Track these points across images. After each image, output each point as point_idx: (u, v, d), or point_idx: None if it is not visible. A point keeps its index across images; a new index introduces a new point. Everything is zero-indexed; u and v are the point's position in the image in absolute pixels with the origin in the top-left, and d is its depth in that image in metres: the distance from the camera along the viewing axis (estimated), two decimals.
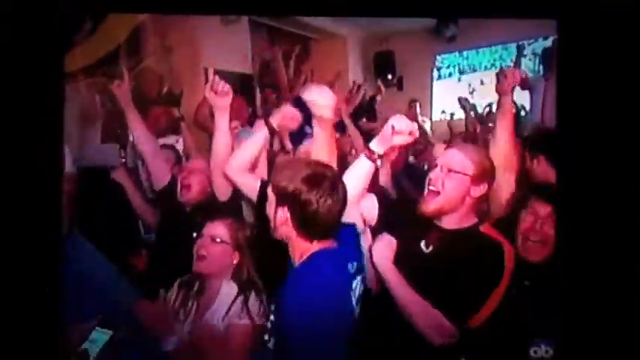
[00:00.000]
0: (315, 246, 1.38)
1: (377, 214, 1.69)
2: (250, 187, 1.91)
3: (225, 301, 1.74)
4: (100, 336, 1.51)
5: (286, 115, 1.90)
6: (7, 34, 1.51)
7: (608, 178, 1.47)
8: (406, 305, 1.53)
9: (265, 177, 1.99)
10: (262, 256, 1.94)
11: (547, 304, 1.54)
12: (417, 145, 3.68)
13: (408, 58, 6.42)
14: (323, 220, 1.36)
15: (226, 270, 1.79)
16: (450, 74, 6.56)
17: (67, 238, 1.72)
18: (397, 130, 1.53)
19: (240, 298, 1.72)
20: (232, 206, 2.12)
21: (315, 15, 4.40)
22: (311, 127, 1.78)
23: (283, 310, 1.34)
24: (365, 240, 1.63)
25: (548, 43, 4.43)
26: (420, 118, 5.14)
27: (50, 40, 1.54)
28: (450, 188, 1.60)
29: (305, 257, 1.38)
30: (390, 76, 6.25)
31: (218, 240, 1.79)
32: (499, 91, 1.88)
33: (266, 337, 1.46)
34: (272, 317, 1.43)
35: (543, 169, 1.99)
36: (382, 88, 5.10)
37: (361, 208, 1.64)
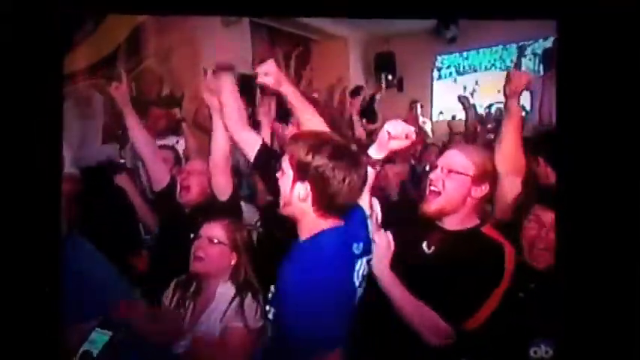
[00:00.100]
0: (325, 224, 1.35)
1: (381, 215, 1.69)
2: (248, 143, 1.88)
3: (222, 303, 1.73)
4: (100, 337, 1.50)
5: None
6: (7, 34, 1.51)
7: (609, 179, 1.47)
8: (401, 306, 1.53)
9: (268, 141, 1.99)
10: (260, 257, 1.95)
11: (547, 305, 1.54)
12: (417, 146, 3.69)
13: (409, 59, 6.43)
14: (345, 197, 1.33)
15: (224, 271, 1.79)
16: (451, 74, 6.57)
17: (66, 239, 1.72)
18: (393, 135, 1.52)
19: (237, 302, 1.72)
20: (232, 207, 2.12)
21: (316, 16, 4.40)
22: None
23: (283, 282, 1.31)
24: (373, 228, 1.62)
25: (549, 43, 4.44)
26: (420, 119, 5.14)
27: (50, 41, 1.54)
28: (450, 189, 1.60)
29: (312, 234, 1.35)
30: (390, 77, 6.26)
31: (215, 241, 1.78)
32: (506, 93, 1.87)
33: (267, 308, 1.43)
34: (272, 288, 1.40)
35: (543, 171, 1.99)
36: (383, 85, 5.11)
37: (374, 206, 1.64)
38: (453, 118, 4.81)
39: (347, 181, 1.31)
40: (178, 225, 2.18)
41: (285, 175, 1.35)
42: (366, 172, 1.39)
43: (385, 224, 1.66)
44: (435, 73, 6.64)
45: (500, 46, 6.07)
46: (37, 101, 1.55)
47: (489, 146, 2.13)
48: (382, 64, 6.37)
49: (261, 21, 4.99)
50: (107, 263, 1.84)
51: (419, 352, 1.54)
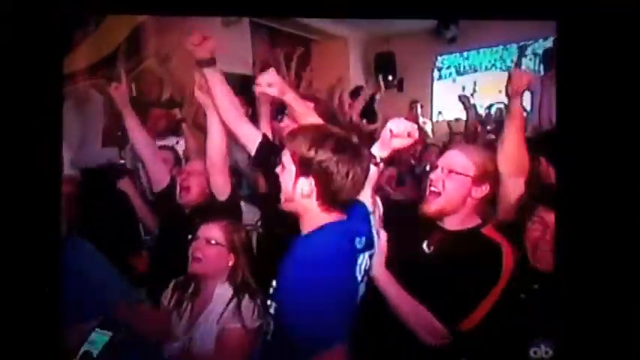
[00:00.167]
0: (328, 218, 1.34)
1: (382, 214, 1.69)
2: (249, 137, 1.89)
3: (220, 304, 1.73)
4: (100, 337, 1.50)
5: (193, 42, 1.87)
6: (7, 34, 1.51)
7: (609, 179, 1.47)
8: (397, 305, 1.53)
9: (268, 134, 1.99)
10: (260, 257, 1.94)
11: (548, 305, 1.54)
12: (417, 146, 3.69)
13: (409, 59, 6.42)
14: (349, 191, 1.32)
15: (221, 272, 1.78)
16: (451, 74, 6.56)
17: (66, 239, 1.72)
18: (395, 133, 1.51)
19: (234, 302, 1.72)
20: (231, 207, 2.12)
21: (316, 16, 4.40)
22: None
23: (285, 277, 1.30)
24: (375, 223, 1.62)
25: (549, 43, 4.44)
26: (420, 120, 5.14)
27: (50, 41, 1.54)
28: (450, 189, 1.60)
29: (314, 228, 1.34)
30: (390, 77, 6.25)
31: (213, 242, 1.78)
32: (508, 93, 1.84)
33: (269, 303, 1.41)
34: (274, 283, 1.37)
35: (545, 171, 1.99)
36: (382, 84, 5.11)
37: (377, 204, 1.64)
38: (457, 120, 4.79)
39: (351, 174, 1.29)
40: (178, 226, 2.18)
41: (287, 171, 1.34)
42: (369, 164, 1.38)
43: (386, 224, 1.67)
44: (436, 74, 6.64)
45: (501, 47, 6.07)
46: (37, 102, 1.55)
47: (490, 146, 2.12)
48: (382, 64, 6.36)
49: (261, 21, 4.99)
50: (107, 264, 1.84)
51: (419, 351, 1.54)
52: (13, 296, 1.51)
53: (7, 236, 1.51)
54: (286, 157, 1.34)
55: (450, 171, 1.61)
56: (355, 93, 4.45)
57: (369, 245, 1.46)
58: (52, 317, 1.51)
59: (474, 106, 4.24)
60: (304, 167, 1.30)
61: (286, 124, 1.94)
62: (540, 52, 4.94)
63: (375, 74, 6.15)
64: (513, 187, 1.76)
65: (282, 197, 1.36)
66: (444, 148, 3.18)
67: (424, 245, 1.66)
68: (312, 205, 1.32)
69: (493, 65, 6.16)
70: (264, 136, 1.94)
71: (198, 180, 2.21)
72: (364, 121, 4.25)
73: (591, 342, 1.44)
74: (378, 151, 1.54)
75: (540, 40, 5.15)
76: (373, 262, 1.52)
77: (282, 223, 1.44)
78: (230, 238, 1.79)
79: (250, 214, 2.50)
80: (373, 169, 1.53)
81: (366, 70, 6.57)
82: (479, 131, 3.79)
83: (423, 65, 6.55)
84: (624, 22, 1.45)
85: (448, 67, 6.58)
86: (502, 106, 3.89)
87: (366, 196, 1.53)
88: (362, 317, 1.43)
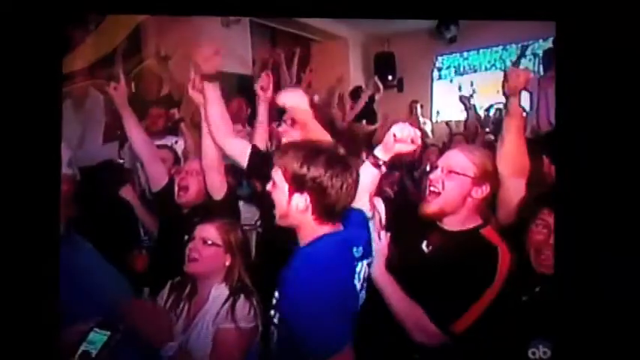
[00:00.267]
0: (324, 229, 1.36)
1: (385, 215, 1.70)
2: (238, 150, 1.92)
3: (215, 305, 1.73)
4: (98, 337, 1.50)
5: (204, 55, 1.91)
6: (6, 34, 1.51)
7: (608, 178, 1.47)
8: (394, 306, 1.54)
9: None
10: (260, 257, 1.94)
11: (546, 306, 1.54)
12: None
13: (409, 60, 6.42)
14: (343, 203, 1.35)
15: (218, 272, 1.78)
16: (451, 75, 6.56)
17: (65, 238, 1.72)
18: (399, 138, 1.53)
19: (229, 303, 1.71)
20: (229, 207, 2.12)
21: (316, 16, 4.40)
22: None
23: (286, 288, 1.32)
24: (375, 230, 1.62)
25: (548, 44, 4.44)
26: (420, 120, 5.14)
27: (50, 40, 1.54)
28: (450, 189, 1.60)
29: (312, 239, 1.36)
30: (390, 77, 6.25)
31: (209, 242, 1.77)
32: (505, 93, 1.81)
33: (272, 313, 1.43)
34: (276, 294, 1.40)
35: (548, 171, 1.97)
36: (381, 85, 5.10)
37: (379, 208, 1.65)
38: (457, 121, 4.79)
39: (344, 187, 1.33)
40: (176, 225, 2.18)
41: (279, 189, 1.36)
42: (358, 173, 1.40)
43: (388, 224, 1.67)
44: (435, 74, 6.64)
45: (500, 47, 6.06)
46: (37, 101, 1.55)
47: (490, 146, 2.11)
48: (382, 64, 6.36)
49: (261, 21, 4.99)
50: (105, 263, 1.84)
51: (417, 351, 1.55)
52: (12, 296, 1.51)
53: (6, 235, 1.51)
54: (277, 174, 1.36)
55: (450, 171, 1.61)
56: (354, 93, 4.46)
57: (367, 253, 1.48)
58: (50, 316, 1.51)
59: (474, 106, 4.25)
60: (297, 184, 1.33)
61: (284, 129, 1.95)
62: (540, 52, 4.93)
63: (375, 74, 6.15)
64: (514, 189, 1.73)
65: (277, 214, 1.39)
66: (444, 148, 3.18)
67: (423, 245, 1.66)
68: (308, 219, 1.35)
69: (493, 65, 6.15)
70: (254, 146, 1.97)
71: (196, 179, 2.21)
72: (364, 121, 4.26)
73: (589, 342, 1.44)
74: (381, 154, 1.57)
75: (540, 41, 5.14)
76: (373, 263, 1.53)
77: (280, 231, 1.45)
78: (226, 238, 1.78)
79: (249, 213, 2.50)
80: (374, 172, 1.55)
81: (365, 70, 6.57)
82: (479, 132, 3.79)
83: (423, 65, 6.54)
84: (623, 23, 1.45)
85: (448, 68, 6.57)
86: (501, 106, 3.89)
87: (364, 202, 1.54)
88: (364, 322, 1.44)
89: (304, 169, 1.31)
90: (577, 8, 1.49)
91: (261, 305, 1.71)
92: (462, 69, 6.47)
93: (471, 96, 4.47)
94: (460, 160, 1.62)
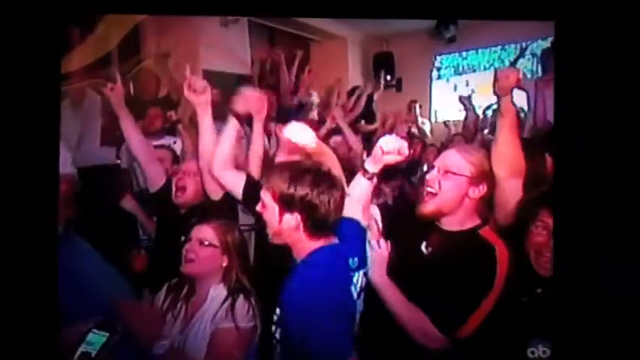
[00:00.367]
0: (318, 243, 1.40)
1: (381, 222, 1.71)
2: (233, 183, 1.95)
3: (214, 305, 1.72)
4: (97, 338, 1.49)
5: (248, 99, 1.93)
6: (6, 34, 1.51)
7: (608, 178, 1.47)
8: (396, 312, 1.54)
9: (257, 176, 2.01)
10: (259, 256, 1.94)
11: (546, 306, 1.54)
12: (416, 147, 3.70)
13: (408, 59, 6.41)
14: (333, 217, 1.39)
15: (215, 273, 1.77)
16: (450, 75, 6.56)
17: (63, 238, 1.71)
18: (386, 151, 1.57)
19: (228, 302, 1.71)
20: (227, 208, 2.11)
21: (315, 16, 4.40)
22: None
23: (286, 303, 1.35)
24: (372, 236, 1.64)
25: (547, 43, 4.44)
26: (419, 120, 5.14)
27: (48, 40, 1.54)
28: (447, 189, 1.60)
29: (307, 254, 1.40)
30: (389, 77, 6.25)
31: (206, 243, 1.77)
32: (496, 92, 1.79)
33: (273, 329, 1.45)
34: (277, 311, 1.42)
35: (549, 172, 1.96)
36: (380, 85, 5.11)
37: (373, 215, 1.67)
38: (454, 121, 4.80)
39: (332, 202, 1.37)
40: (174, 226, 2.18)
41: (269, 209, 1.40)
42: (343, 187, 1.44)
43: (387, 227, 1.67)
44: (434, 74, 6.63)
45: (499, 47, 6.06)
46: (35, 101, 1.55)
47: (489, 147, 2.10)
48: (381, 64, 6.36)
49: (260, 21, 4.98)
50: (104, 263, 1.84)
51: (417, 351, 1.54)
52: (11, 296, 1.50)
53: (4, 235, 1.51)
54: (266, 196, 1.41)
55: (446, 171, 1.61)
56: (351, 93, 4.47)
57: (363, 264, 1.52)
58: (49, 317, 1.50)
59: (473, 107, 4.25)
60: (286, 204, 1.37)
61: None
62: (538, 52, 4.93)
63: (374, 74, 6.15)
64: (511, 190, 1.71)
65: (270, 233, 1.43)
66: (442, 149, 3.17)
67: (422, 246, 1.65)
68: (301, 235, 1.39)
69: (492, 65, 6.14)
70: (248, 176, 1.99)
71: (193, 180, 2.21)
72: (362, 122, 4.26)
73: (588, 342, 1.44)
74: (371, 166, 1.60)
75: (539, 41, 5.14)
76: (373, 270, 1.55)
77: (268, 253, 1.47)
78: (223, 239, 1.78)
79: (248, 214, 2.49)
80: (366, 183, 1.59)
81: (364, 70, 6.56)
82: (478, 132, 3.79)
83: (422, 65, 6.54)
84: (622, 22, 1.45)
85: (447, 67, 6.57)
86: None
87: (358, 213, 1.57)
88: (363, 328, 1.47)
89: (292, 189, 1.36)
90: (576, 8, 1.49)
91: (260, 305, 1.71)
92: (460, 69, 6.47)
93: (470, 96, 4.47)
94: (456, 160, 1.62)
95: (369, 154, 1.69)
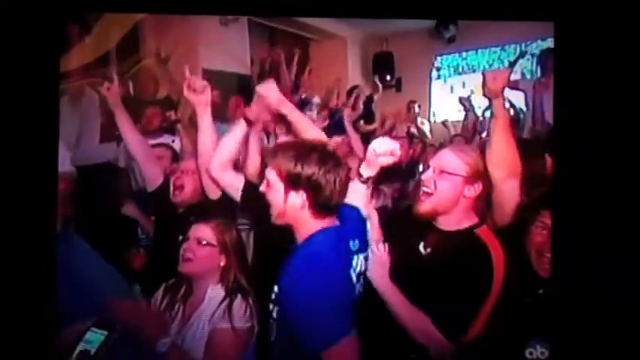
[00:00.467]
0: (321, 223, 1.40)
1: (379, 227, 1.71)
2: (232, 185, 1.95)
3: (211, 305, 1.72)
4: (95, 337, 1.49)
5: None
6: (5, 32, 1.51)
7: (607, 178, 1.47)
8: (397, 313, 1.54)
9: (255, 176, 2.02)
10: (258, 255, 1.93)
11: (545, 306, 1.54)
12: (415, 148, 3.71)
13: (407, 59, 6.41)
14: (338, 196, 1.40)
15: (213, 273, 1.77)
16: (449, 75, 6.56)
17: (62, 237, 1.71)
18: (379, 153, 1.58)
19: (225, 303, 1.71)
20: (225, 207, 2.11)
21: (315, 16, 4.40)
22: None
23: (285, 281, 1.35)
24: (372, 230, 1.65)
25: (547, 44, 4.44)
26: (418, 120, 5.14)
27: (48, 39, 1.54)
28: (442, 189, 1.60)
29: (309, 234, 1.40)
30: (388, 77, 6.25)
31: (204, 242, 1.76)
32: (487, 94, 1.75)
33: (271, 307, 1.45)
34: (275, 289, 1.41)
35: (549, 172, 1.96)
36: (379, 85, 5.11)
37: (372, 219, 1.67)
38: (453, 122, 4.80)
39: (337, 181, 1.37)
40: (172, 225, 2.17)
41: (274, 188, 1.40)
42: (349, 168, 1.44)
43: (385, 228, 1.67)
44: (434, 73, 6.63)
45: (499, 47, 6.07)
46: (35, 100, 1.55)
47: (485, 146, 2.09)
48: (380, 64, 6.36)
49: (260, 20, 4.98)
50: (103, 262, 1.84)
51: (417, 351, 1.54)
52: (9, 293, 1.50)
53: (3, 233, 1.51)
54: (271, 175, 1.40)
55: (442, 171, 1.61)
56: (350, 93, 4.48)
57: (363, 247, 1.51)
58: (48, 315, 1.50)
59: (474, 107, 4.25)
60: (292, 182, 1.37)
61: (280, 129, 1.98)
62: (537, 52, 4.93)
63: (373, 74, 6.15)
64: (507, 191, 1.70)
65: (274, 213, 1.43)
66: (440, 149, 3.17)
67: (421, 246, 1.65)
68: (305, 215, 1.39)
69: (491, 65, 6.14)
70: (247, 181, 1.99)
71: (192, 179, 2.21)
72: (362, 122, 4.27)
73: (587, 342, 1.44)
74: (366, 171, 1.61)
75: (538, 41, 5.14)
76: (374, 273, 1.55)
77: (276, 232, 1.47)
78: (221, 238, 1.78)
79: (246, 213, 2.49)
80: (362, 188, 1.61)
81: (364, 70, 6.56)
82: (476, 134, 3.80)
83: (422, 65, 6.54)
84: (622, 24, 1.45)
85: (447, 67, 6.57)
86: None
87: (360, 203, 1.58)
88: (362, 312, 1.46)
89: (298, 168, 1.36)
90: (575, 8, 1.50)
91: (258, 305, 1.71)
92: (460, 69, 6.47)
93: (469, 96, 4.47)
94: (451, 159, 1.62)
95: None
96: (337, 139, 3.04)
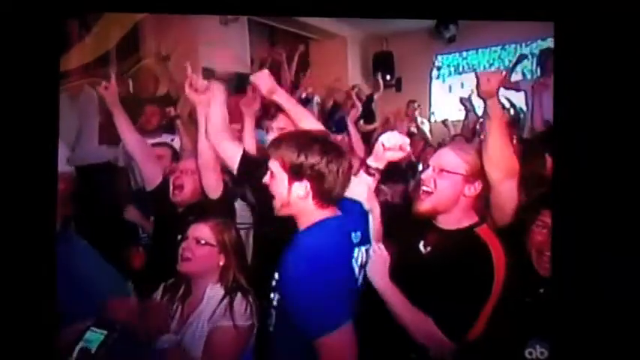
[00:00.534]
0: (324, 214, 1.41)
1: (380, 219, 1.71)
2: (229, 154, 1.96)
3: (210, 305, 1.72)
4: (95, 336, 1.49)
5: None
6: (5, 32, 1.51)
7: (607, 178, 1.47)
8: (397, 313, 1.53)
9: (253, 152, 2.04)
10: (257, 255, 1.93)
11: (545, 306, 1.54)
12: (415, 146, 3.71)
13: (407, 59, 6.41)
14: (341, 187, 1.41)
15: (212, 272, 1.77)
16: (450, 74, 6.56)
17: (61, 236, 1.71)
18: (387, 147, 1.59)
19: (226, 301, 1.71)
20: (225, 206, 2.11)
21: (315, 15, 4.40)
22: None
23: (286, 269, 1.35)
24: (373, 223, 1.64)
25: (547, 44, 4.44)
26: (418, 119, 5.14)
27: (48, 38, 1.54)
28: (442, 188, 1.60)
29: (311, 223, 1.41)
30: (388, 77, 6.25)
31: (203, 242, 1.76)
32: (481, 95, 1.73)
33: (271, 295, 1.45)
34: (276, 276, 1.42)
35: (549, 172, 1.96)
36: (380, 84, 5.11)
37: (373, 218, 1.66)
38: (453, 121, 4.80)
39: (340, 171, 1.38)
40: (171, 224, 2.17)
41: (278, 179, 1.40)
42: (351, 159, 1.46)
43: (385, 227, 1.67)
44: (434, 73, 6.63)
45: (499, 47, 6.07)
46: (34, 99, 1.55)
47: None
48: (380, 63, 6.36)
49: (260, 19, 4.98)
50: (103, 261, 1.84)
51: (417, 351, 1.54)
52: (9, 293, 1.50)
53: (3, 233, 1.51)
54: (274, 165, 1.41)
55: (442, 170, 1.61)
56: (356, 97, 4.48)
57: (365, 240, 1.52)
58: (48, 315, 1.50)
59: (474, 107, 4.25)
60: (296, 173, 1.37)
61: (277, 124, 2.00)
62: (537, 52, 4.93)
63: (374, 74, 6.15)
64: (505, 192, 1.68)
65: (278, 204, 1.42)
66: (439, 149, 3.17)
67: (421, 245, 1.65)
68: (309, 204, 1.39)
69: (492, 65, 6.15)
70: (245, 152, 1.99)
71: (191, 178, 2.21)
72: (362, 121, 4.27)
73: (587, 342, 1.44)
74: (373, 163, 1.63)
75: (539, 41, 5.14)
76: (375, 273, 1.55)
77: (277, 222, 1.47)
78: (220, 238, 1.77)
79: (246, 212, 2.49)
80: (369, 179, 1.62)
81: (364, 70, 6.56)
82: (475, 136, 3.79)
83: (422, 65, 6.54)
84: (621, 24, 1.45)
85: (447, 67, 6.57)
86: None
87: (362, 197, 1.58)
88: (362, 312, 1.45)
89: (302, 158, 1.36)
90: (575, 8, 1.50)
91: (258, 303, 1.71)
92: (460, 69, 6.47)
93: (470, 96, 4.47)
94: (451, 158, 1.62)
95: (368, 155, 1.70)
96: (337, 138, 3.05)
